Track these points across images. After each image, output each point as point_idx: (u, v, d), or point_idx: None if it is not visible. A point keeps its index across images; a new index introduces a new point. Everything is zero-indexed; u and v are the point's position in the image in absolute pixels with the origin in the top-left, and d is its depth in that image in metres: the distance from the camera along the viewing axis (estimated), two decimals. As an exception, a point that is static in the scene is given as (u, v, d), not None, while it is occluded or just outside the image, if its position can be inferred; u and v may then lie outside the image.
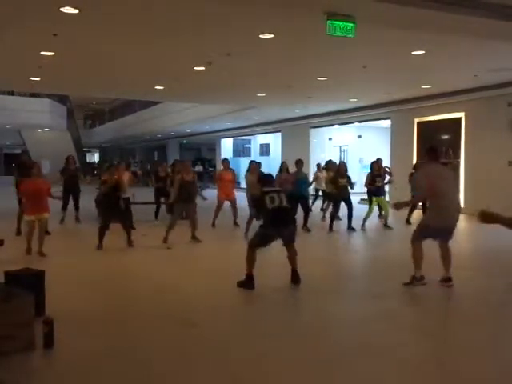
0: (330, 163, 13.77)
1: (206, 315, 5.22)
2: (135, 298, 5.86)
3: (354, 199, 11.95)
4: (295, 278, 6.35)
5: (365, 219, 11.39)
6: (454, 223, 6.05)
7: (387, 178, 12.31)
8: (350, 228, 11.16)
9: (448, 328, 4.95)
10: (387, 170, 12.56)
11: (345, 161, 14.01)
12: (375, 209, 12.28)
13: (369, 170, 12.05)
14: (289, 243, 6.32)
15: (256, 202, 6.84)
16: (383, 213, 12.33)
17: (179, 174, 9.64)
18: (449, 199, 5.99)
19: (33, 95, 26.67)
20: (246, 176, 11.50)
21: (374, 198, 11.65)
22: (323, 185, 13.77)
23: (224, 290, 6.13)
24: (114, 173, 9.41)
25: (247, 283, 6.14)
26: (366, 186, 11.75)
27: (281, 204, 6.22)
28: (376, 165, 11.78)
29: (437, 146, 6.49)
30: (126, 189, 10.22)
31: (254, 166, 11.44)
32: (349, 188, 11.35)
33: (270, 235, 6.23)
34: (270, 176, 6.90)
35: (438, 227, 5.96)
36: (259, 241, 6.25)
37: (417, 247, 6.06)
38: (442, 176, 6.08)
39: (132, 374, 3.79)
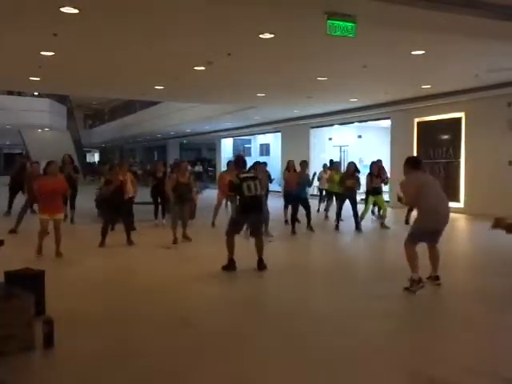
0: (334, 164, 14.12)
1: (205, 315, 5.22)
2: (135, 298, 5.86)
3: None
4: (260, 266, 6.99)
5: (361, 218, 11.49)
6: (441, 226, 6.12)
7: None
8: (358, 228, 11.16)
9: (448, 328, 4.95)
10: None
11: (352, 161, 13.91)
12: (373, 208, 12.54)
13: (368, 171, 12.14)
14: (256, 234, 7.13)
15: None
16: (381, 212, 12.40)
17: (174, 174, 9.79)
18: (435, 203, 6.05)
19: (29, 95, 26.66)
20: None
21: (370, 197, 11.80)
22: (326, 185, 13.84)
23: (223, 289, 6.13)
24: (118, 173, 9.38)
25: (230, 266, 6.93)
26: (367, 187, 11.88)
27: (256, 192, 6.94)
28: (376, 166, 11.92)
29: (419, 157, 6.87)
30: (131, 189, 10.31)
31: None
32: (356, 189, 11.49)
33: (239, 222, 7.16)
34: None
35: (427, 230, 6.05)
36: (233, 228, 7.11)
37: (409, 250, 6.07)
38: (426, 183, 6.16)
39: (131, 374, 3.79)
